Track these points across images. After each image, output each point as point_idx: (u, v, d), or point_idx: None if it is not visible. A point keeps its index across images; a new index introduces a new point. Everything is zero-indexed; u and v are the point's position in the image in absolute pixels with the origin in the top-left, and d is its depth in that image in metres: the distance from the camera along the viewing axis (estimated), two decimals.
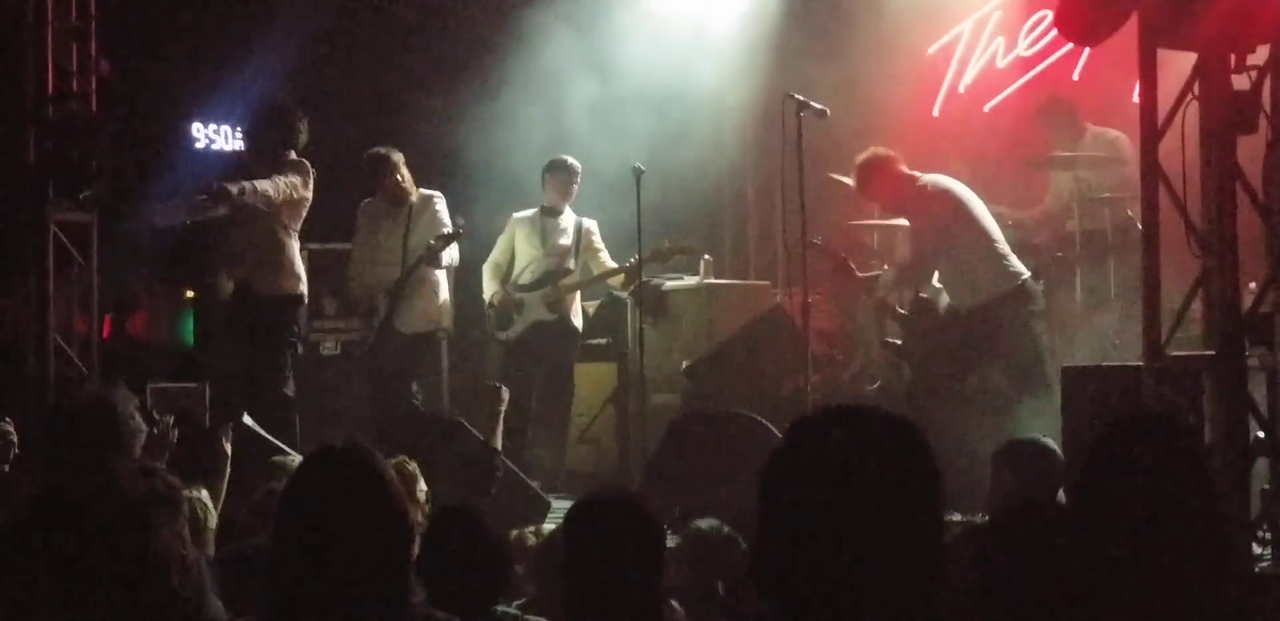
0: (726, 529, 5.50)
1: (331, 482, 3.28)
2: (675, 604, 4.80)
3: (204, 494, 5.97)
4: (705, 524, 5.55)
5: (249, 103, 9.65)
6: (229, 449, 6.46)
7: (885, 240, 10.34)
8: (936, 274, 8.80)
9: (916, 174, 8.81)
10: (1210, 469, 3.27)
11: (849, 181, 8.99)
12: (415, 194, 10.05)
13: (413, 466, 6.10)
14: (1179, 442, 3.18)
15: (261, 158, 9.31)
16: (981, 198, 8.96)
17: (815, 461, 2.46)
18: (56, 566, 2.82)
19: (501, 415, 7.71)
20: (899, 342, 8.91)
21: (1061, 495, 5.92)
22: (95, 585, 2.82)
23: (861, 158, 8.91)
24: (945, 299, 8.73)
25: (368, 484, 3.26)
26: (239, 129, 11.33)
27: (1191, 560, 3.19)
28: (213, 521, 5.87)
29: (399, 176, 9.99)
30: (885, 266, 9.53)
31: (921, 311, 8.74)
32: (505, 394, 7.83)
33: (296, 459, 6.61)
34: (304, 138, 9.25)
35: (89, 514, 2.89)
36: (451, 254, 9.87)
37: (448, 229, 9.80)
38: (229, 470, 6.39)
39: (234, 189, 8.96)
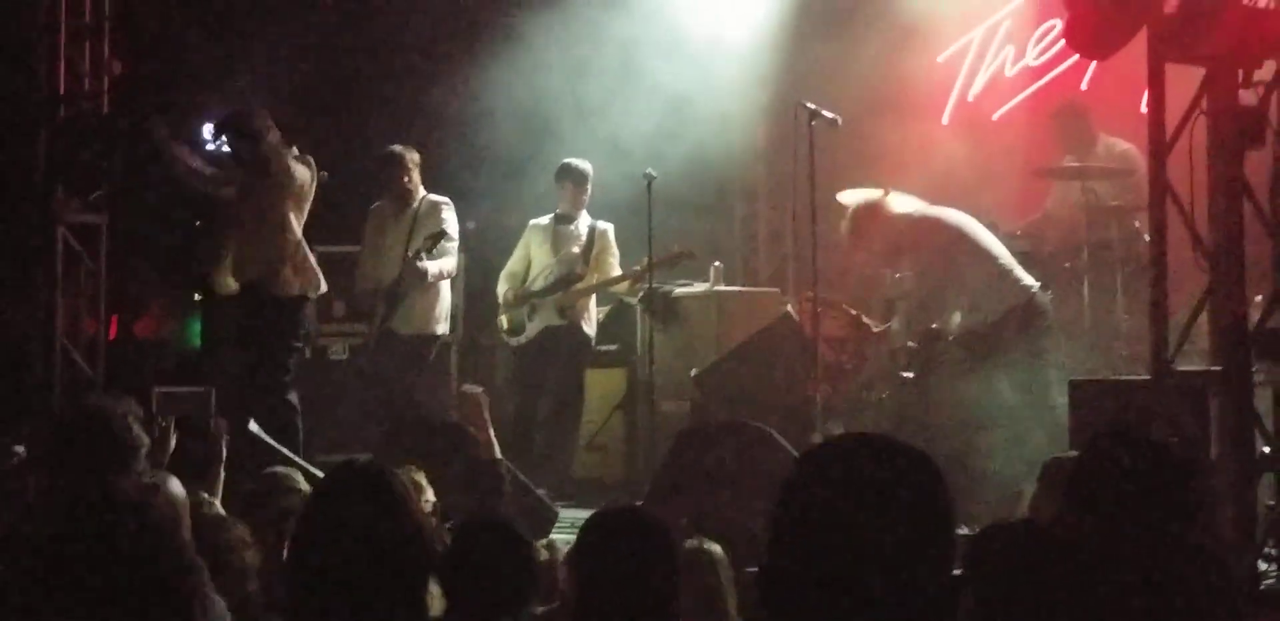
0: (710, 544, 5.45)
1: (350, 502, 3.31)
2: None
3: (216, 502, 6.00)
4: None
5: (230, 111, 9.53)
6: (225, 453, 6.50)
7: None
8: (949, 301, 8.79)
9: (907, 211, 8.80)
10: (1199, 494, 3.28)
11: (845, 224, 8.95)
12: (421, 197, 10.05)
13: (419, 476, 6.10)
14: (1164, 464, 3.20)
15: (242, 164, 9.27)
16: (992, 216, 8.98)
17: (828, 493, 2.48)
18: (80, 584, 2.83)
19: (488, 420, 7.60)
20: (911, 375, 8.93)
21: None
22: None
23: (851, 206, 8.86)
24: (957, 318, 8.72)
25: (386, 504, 3.29)
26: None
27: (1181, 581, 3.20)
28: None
29: (407, 177, 10.00)
30: (894, 323, 9.53)
31: (931, 342, 8.75)
32: (484, 399, 7.72)
33: (294, 474, 6.66)
34: (275, 134, 9.14)
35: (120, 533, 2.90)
36: (443, 263, 9.85)
37: (440, 229, 9.78)
38: (223, 474, 6.43)
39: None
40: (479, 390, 7.76)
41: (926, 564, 2.47)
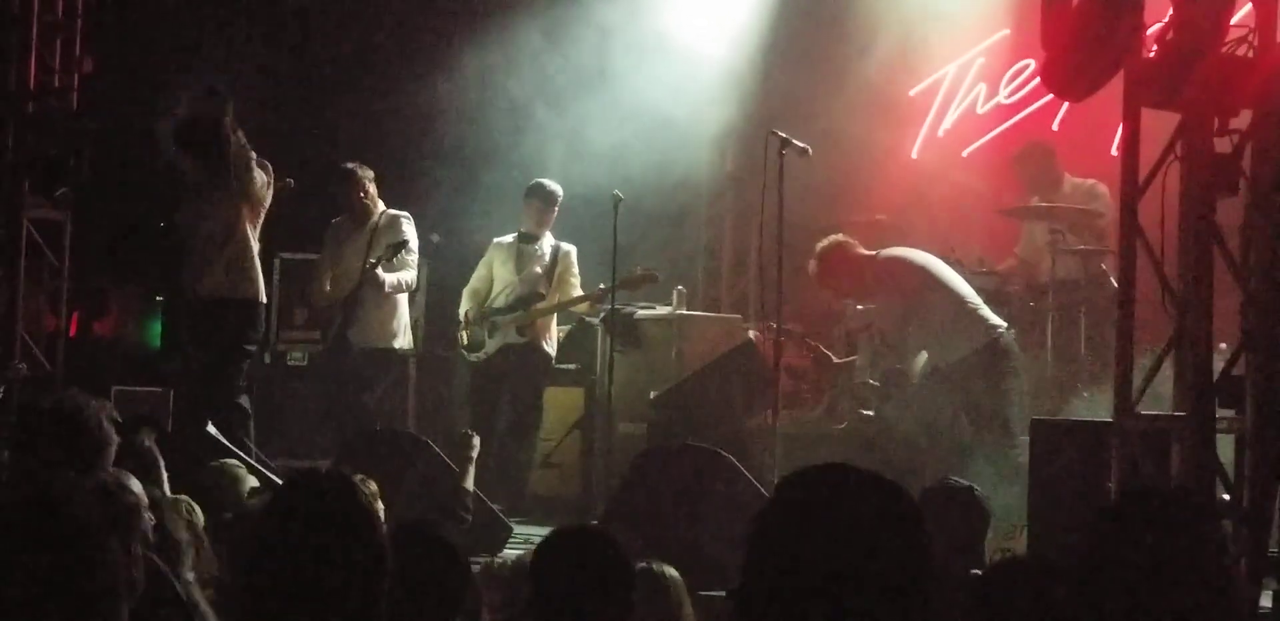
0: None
1: (313, 509, 3.26)
2: None
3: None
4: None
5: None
6: (155, 451, 6.45)
7: None
8: (913, 339, 8.86)
9: (873, 252, 8.93)
10: (1225, 553, 3.25)
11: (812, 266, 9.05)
12: (379, 212, 10.04)
13: (373, 486, 6.07)
14: (1192, 522, 3.18)
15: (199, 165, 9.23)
16: (958, 254, 9.03)
17: (808, 520, 2.48)
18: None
19: (473, 461, 7.75)
20: (872, 413, 8.99)
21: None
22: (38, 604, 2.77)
23: (819, 247, 9.01)
24: (922, 357, 8.79)
25: (350, 514, 3.24)
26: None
27: None
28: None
29: (363, 193, 10.01)
30: (858, 358, 9.57)
31: (895, 382, 8.82)
32: (476, 441, 7.86)
33: (238, 465, 6.72)
34: (237, 139, 9.13)
35: (40, 533, 2.83)
36: (402, 275, 9.86)
37: (400, 240, 9.76)
38: (165, 473, 6.40)
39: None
40: (471, 433, 7.91)
41: (902, 594, 2.47)
